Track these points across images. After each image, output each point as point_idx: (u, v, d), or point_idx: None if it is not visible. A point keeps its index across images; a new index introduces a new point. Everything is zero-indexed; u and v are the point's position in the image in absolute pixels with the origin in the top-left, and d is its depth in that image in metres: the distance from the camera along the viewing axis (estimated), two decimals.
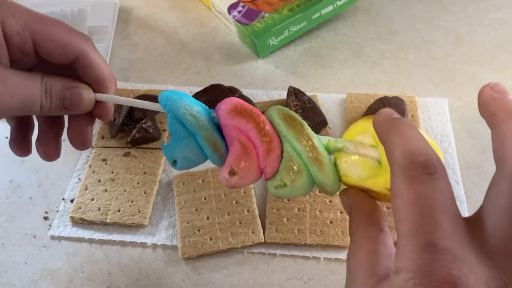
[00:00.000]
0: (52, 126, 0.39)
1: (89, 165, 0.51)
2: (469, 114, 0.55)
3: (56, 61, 0.34)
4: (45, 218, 0.48)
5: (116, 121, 0.53)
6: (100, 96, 0.36)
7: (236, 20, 0.64)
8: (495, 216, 0.24)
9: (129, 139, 0.52)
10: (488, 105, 0.27)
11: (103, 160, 0.52)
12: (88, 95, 0.35)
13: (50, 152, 0.39)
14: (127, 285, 0.43)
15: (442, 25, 0.66)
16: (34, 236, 0.47)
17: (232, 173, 0.32)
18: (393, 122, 0.28)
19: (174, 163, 0.34)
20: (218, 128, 0.33)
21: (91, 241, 0.46)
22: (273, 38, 0.62)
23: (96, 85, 0.36)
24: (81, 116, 0.37)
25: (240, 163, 0.32)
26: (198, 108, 0.33)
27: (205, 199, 0.48)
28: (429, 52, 0.63)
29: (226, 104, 0.32)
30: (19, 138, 0.39)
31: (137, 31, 0.69)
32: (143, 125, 0.52)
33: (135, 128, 0.53)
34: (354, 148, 0.32)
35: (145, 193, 0.49)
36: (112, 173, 0.50)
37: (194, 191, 0.48)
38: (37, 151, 0.39)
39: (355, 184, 0.32)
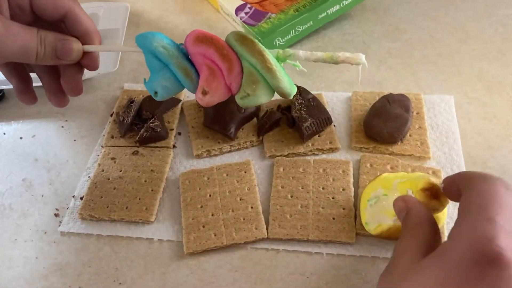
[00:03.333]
0: (53, 77, 0.45)
1: (99, 164, 0.53)
2: (475, 110, 0.54)
3: (48, 16, 0.40)
4: (56, 215, 0.50)
5: (125, 121, 0.54)
6: (87, 47, 0.42)
7: (243, 21, 0.65)
8: None
9: (137, 138, 0.54)
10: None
11: (112, 158, 0.53)
12: (76, 46, 0.41)
13: (61, 98, 0.47)
14: (133, 279, 0.44)
15: (450, 22, 0.66)
16: (45, 232, 0.49)
17: (204, 93, 0.38)
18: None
19: (155, 94, 0.39)
20: (188, 58, 0.39)
21: (99, 237, 0.48)
22: (280, 38, 0.63)
23: (83, 38, 0.42)
24: (72, 67, 0.43)
25: (210, 83, 0.38)
26: (168, 41, 0.39)
27: (210, 196, 0.49)
28: (436, 49, 0.63)
29: (190, 35, 0.38)
30: (24, 89, 0.46)
31: None
32: (151, 125, 0.54)
33: (143, 127, 0.54)
34: (304, 53, 0.40)
35: (152, 190, 0.50)
36: (121, 171, 0.52)
37: (199, 188, 0.49)
38: (51, 101, 0.47)
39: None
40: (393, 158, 0.49)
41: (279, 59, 0.41)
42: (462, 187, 0.32)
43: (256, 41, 0.40)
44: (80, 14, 0.42)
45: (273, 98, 0.57)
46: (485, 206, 0.28)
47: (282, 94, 0.41)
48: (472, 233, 0.27)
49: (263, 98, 0.40)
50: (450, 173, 0.48)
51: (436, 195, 0.37)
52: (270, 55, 0.40)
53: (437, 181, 0.38)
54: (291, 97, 0.42)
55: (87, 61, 0.43)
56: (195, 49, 0.38)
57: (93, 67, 0.44)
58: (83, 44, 0.41)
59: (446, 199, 0.37)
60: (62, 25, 0.42)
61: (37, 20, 0.41)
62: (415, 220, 0.34)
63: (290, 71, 0.62)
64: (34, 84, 0.61)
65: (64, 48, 0.40)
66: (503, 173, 0.48)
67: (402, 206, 0.36)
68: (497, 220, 0.27)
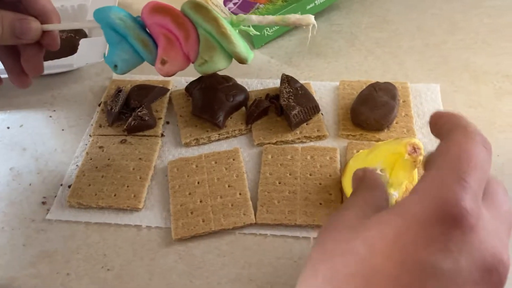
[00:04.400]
0: (14, 58, 0.45)
1: (87, 152, 0.53)
2: (461, 98, 0.55)
3: None
4: (44, 203, 0.50)
5: (113, 110, 0.54)
6: (46, 26, 0.42)
7: (232, 11, 0.65)
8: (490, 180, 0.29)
9: (125, 127, 0.54)
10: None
11: (100, 147, 0.53)
12: (35, 25, 0.41)
13: (23, 80, 0.46)
14: (122, 265, 0.44)
15: (437, 13, 0.67)
16: (33, 220, 0.49)
17: (163, 62, 0.38)
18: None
19: (115, 67, 0.40)
20: (146, 30, 0.39)
21: (87, 224, 0.48)
22: (268, 28, 0.63)
23: (42, 17, 0.42)
24: (32, 46, 0.43)
25: (168, 52, 0.40)
26: (125, 13, 0.39)
27: (198, 183, 0.49)
28: (423, 39, 0.63)
29: (146, 7, 0.39)
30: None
31: None
32: (139, 113, 0.54)
33: (131, 116, 0.54)
34: (256, 18, 0.42)
35: (140, 178, 0.50)
36: (109, 159, 0.52)
37: (187, 176, 0.49)
38: (13, 82, 0.46)
39: None
40: (379, 145, 0.50)
41: (233, 24, 0.42)
42: (443, 131, 0.30)
43: (210, 8, 0.41)
44: None
45: (261, 87, 0.58)
46: (458, 164, 0.27)
47: (239, 59, 0.42)
48: (439, 190, 0.26)
49: (220, 64, 0.41)
50: None
51: (414, 150, 0.40)
52: (224, 21, 0.40)
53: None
54: (248, 62, 0.43)
55: (47, 40, 0.43)
56: (151, 19, 0.39)
57: (54, 46, 0.44)
58: (42, 23, 0.42)
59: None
60: (20, 5, 0.43)
61: None
62: (367, 183, 0.33)
63: (277, 60, 0.63)
64: None
65: (23, 27, 0.41)
66: None
67: (360, 174, 0.35)
68: (467, 181, 0.26)
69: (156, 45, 0.39)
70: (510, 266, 0.25)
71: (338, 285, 0.25)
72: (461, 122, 0.30)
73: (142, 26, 0.39)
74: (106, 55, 0.40)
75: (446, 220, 0.25)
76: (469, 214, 0.25)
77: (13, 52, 0.45)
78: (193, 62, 0.41)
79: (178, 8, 0.42)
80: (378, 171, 0.42)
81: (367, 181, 0.34)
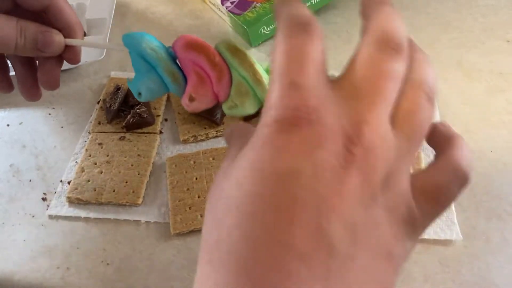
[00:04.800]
0: (29, 70, 0.44)
1: (86, 149, 0.53)
2: (454, 95, 0.56)
3: (29, 6, 0.39)
4: (44, 199, 0.50)
5: (112, 108, 0.55)
6: (69, 40, 0.41)
7: (229, 10, 0.66)
8: (352, 66, 0.25)
9: (124, 124, 0.54)
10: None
11: (99, 144, 0.54)
12: (58, 38, 0.40)
13: (33, 93, 0.45)
14: (121, 260, 0.45)
15: (431, 12, 0.68)
16: (33, 216, 0.49)
17: (191, 99, 0.37)
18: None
19: (139, 95, 0.39)
20: (176, 62, 0.38)
21: (87, 219, 0.48)
22: (265, 27, 0.64)
23: (65, 31, 0.40)
24: (51, 59, 0.42)
25: (197, 90, 0.38)
26: (157, 43, 0.38)
27: (196, 179, 0.50)
28: (417, 37, 0.63)
29: (181, 40, 0.37)
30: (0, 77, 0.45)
31: (134, 23, 0.71)
32: (138, 111, 0.54)
33: (130, 113, 0.55)
34: None
35: (138, 174, 0.51)
36: (108, 156, 0.52)
37: (186, 172, 0.50)
38: (22, 94, 0.45)
39: None
40: None
41: (268, 71, 0.41)
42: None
43: (247, 52, 0.40)
44: (63, 6, 0.41)
45: None
46: (282, 66, 0.25)
47: None
48: (274, 103, 0.24)
49: (250, 109, 0.40)
50: (431, 156, 0.50)
51: None
52: (260, 67, 0.40)
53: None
54: None
55: (69, 54, 0.42)
56: (184, 54, 0.38)
57: (75, 60, 0.43)
58: (65, 37, 0.40)
59: None
60: (44, 16, 0.41)
61: (17, 8, 0.40)
62: (238, 133, 0.32)
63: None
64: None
65: (46, 40, 0.39)
66: (482, 155, 0.50)
67: (229, 131, 0.33)
68: (299, 83, 0.24)
69: (185, 78, 0.38)
70: (378, 129, 0.24)
71: (222, 233, 0.24)
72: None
73: (173, 58, 0.38)
74: (130, 80, 0.39)
75: (282, 124, 0.23)
76: (298, 110, 0.23)
77: (29, 63, 0.44)
78: (221, 102, 0.39)
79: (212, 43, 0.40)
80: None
81: (236, 131, 0.32)
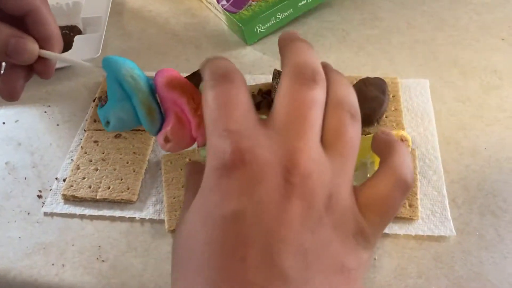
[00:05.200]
0: None
1: (81, 147, 0.53)
2: (450, 93, 0.56)
3: (8, 9, 0.36)
4: (39, 197, 0.50)
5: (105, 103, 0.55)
6: (44, 52, 0.37)
7: (225, 9, 0.66)
8: (277, 103, 0.27)
9: None
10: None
11: (95, 141, 0.54)
12: (32, 47, 0.36)
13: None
14: (116, 256, 0.45)
15: (426, 11, 0.68)
16: (28, 213, 0.49)
17: (167, 140, 0.34)
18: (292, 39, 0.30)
19: (107, 124, 0.36)
20: (155, 95, 0.35)
21: (82, 216, 0.48)
22: (260, 25, 0.64)
23: (43, 42, 0.37)
24: (18, 69, 0.38)
25: (175, 133, 0.35)
26: (139, 72, 0.35)
27: None
28: (413, 36, 0.64)
29: (163, 77, 0.34)
30: None
31: (130, 22, 0.72)
32: None
33: None
34: None
35: (134, 171, 0.51)
36: (103, 153, 0.53)
37: (181, 169, 0.50)
38: None
39: None
40: (369, 138, 0.51)
41: None
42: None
43: None
44: (45, 16, 0.38)
45: (253, 83, 0.59)
46: (212, 118, 0.26)
47: None
48: (211, 153, 0.26)
49: None
50: (425, 153, 0.50)
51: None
52: None
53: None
54: None
55: (41, 67, 0.38)
56: (166, 93, 0.35)
57: (46, 75, 0.39)
58: (41, 48, 0.37)
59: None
60: (25, 22, 0.38)
61: None
62: (188, 174, 0.34)
63: (269, 57, 0.64)
64: None
65: (18, 46, 0.36)
66: (476, 152, 0.50)
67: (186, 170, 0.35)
68: (231, 129, 0.26)
69: (162, 115, 0.36)
70: (311, 155, 0.25)
71: (186, 280, 0.26)
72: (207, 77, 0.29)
73: (153, 91, 0.36)
74: (100, 106, 0.36)
75: (222, 170, 0.25)
76: (234, 154, 0.25)
77: None
78: (199, 146, 0.39)
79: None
80: (368, 163, 0.43)
81: (192, 173, 0.34)
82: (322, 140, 0.27)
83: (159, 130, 0.35)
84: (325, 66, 0.29)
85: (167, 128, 0.34)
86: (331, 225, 0.25)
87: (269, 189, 0.24)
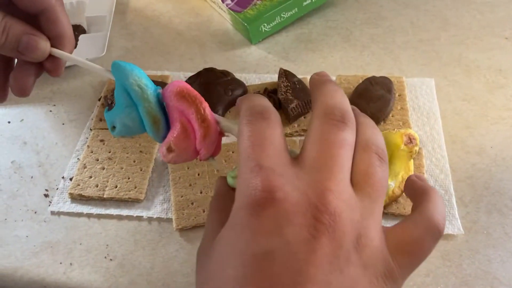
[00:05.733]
0: (2, 69, 0.40)
1: (88, 146, 0.53)
2: (455, 92, 0.56)
3: (23, 6, 0.36)
4: (46, 196, 0.50)
5: (113, 104, 0.55)
6: (55, 51, 0.38)
7: (230, 8, 0.66)
8: (307, 143, 0.28)
9: None
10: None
11: (101, 140, 0.54)
12: (44, 45, 0.37)
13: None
14: (124, 255, 0.45)
15: (430, 10, 0.68)
16: (35, 212, 0.49)
17: (169, 150, 0.34)
18: (323, 81, 0.32)
19: (113, 128, 0.36)
20: (161, 105, 0.35)
21: (89, 215, 0.48)
22: (265, 24, 0.64)
23: (55, 41, 0.38)
24: (29, 65, 0.38)
25: (178, 142, 0.34)
26: (147, 82, 0.35)
27: (198, 175, 0.50)
28: (416, 35, 0.64)
29: (174, 87, 0.34)
30: None
31: (134, 21, 0.72)
32: None
33: None
34: None
35: (141, 170, 0.51)
36: (110, 152, 0.53)
37: (188, 168, 0.50)
38: None
39: None
40: None
41: None
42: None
43: None
44: (60, 15, 0.38)
45: (259, 82, 0.59)
46: (246, 152, 0.27)
47: None
48: (243, 187, 0.26)
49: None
50: (432, 152, 0.50)
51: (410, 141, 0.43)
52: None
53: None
54: None
55: (51, 65, 0.39)
56: (173, 102, 0.35)
57: (56, 73, 0.39)
58: (53, 46, 0.38)
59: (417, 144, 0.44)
60: (39, 20, 0.38)
61: (12, 6, 0.37)
62: (214, 197, 0.34)
63: (274, 56, 0.64)
64: None
65: (30, 44, 0.36)
66: (482, 151, 0.50)
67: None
68: (263, 165, 0.26)
69: (167, 125, 0.36)
70: (341, 195, 0.26)
71: None
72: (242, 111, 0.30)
73: (159, 101, 0.36)
74: (108, 109, 0.36)
75: (255, 206, 0.25)
76: (275, 190, 0.25)
77: (6, 63, 0.40)
78: (201, 160, 0.37)
79: None
80: None
81: (218, 199, 0.34)
82: (352, 181, 0.28)
83: (164, 139, 0.35)
84: (353, 109, 0.30)
85: (171, 138, 0.35)
86: (360, 265, 0.26)
87: (299, 229, 0.25)
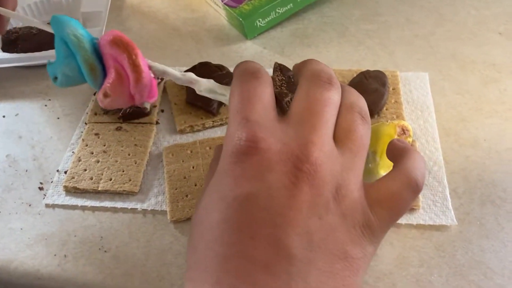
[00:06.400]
0: None
1: (82, 139, 0.53)
2: (449, 86, 0.57)
3: None
4: (40, 189, 0.50)
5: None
6: None
7: (225, 3, 0.66)
8: (295, 102, 0.30)
9: (120, 114, 0.54)
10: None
11: (96, 134, 0.54)
12: None
13: None
14: (118, 247, 0.45)
15: (425, 6, 0.68)
16: (30, 205, 0.49)
17: (105, 95, 0.36)
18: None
19: (55, 79, 0.38)
20: (98, 55, 0.37)
21: (83, 208, 0.48)
22: (260, 19, 0.65)
23: None
24: None
25: (114, 88, 0.37)
26: (82, 32, 0.37)
27: (193, 167, 0.50)
28: (412, 30, 0.65)
29: (108, 35, 0.36)
30: None
31: (130, 17, 0.72)
32: None
33: None
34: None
35: (135, 163, 0.51)
36: (104, 145, 0.53)
37: (182, 161, 0.50)
38: None
39: None
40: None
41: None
42: None
43: None
44: None
45: None
46: (235, 107, 0.29)
47: None
48: (230, 138, 0.29)
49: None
50: (425, 144, 0.50)
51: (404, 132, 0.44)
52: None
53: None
54: None
55: None
56: (108, 50, 0.37)
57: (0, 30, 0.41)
58: None
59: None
60: None
61: None
62: (213, 158, 0.37)
63: (269, 51, 0.64)
64: (17, 64, 0.61)
65: None
66: (475, 143, 0.50)
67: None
68: (250, 118, 0.28)
69: (104, 73, 0.38)
70: (323, 147, 0.28)
71: (199, 253, 0.28)
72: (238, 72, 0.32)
73: (96, 51, 0.37)
74: (50, 62, 0.38)
75: (238, 153, 0.27)
76: (259, 140, 0.27)
77: None
78: (137, 105, 0.39)
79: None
80: (369, 153, 0.43)
81: (216, 153, 0.37)
82: (334, 137, 0.29)
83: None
84: (340, 82, 0.32)
85: (107, 84, 0.37)
86: (338, 214, 0.27)
87: (280, 175, 0.26)
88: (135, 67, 0.36)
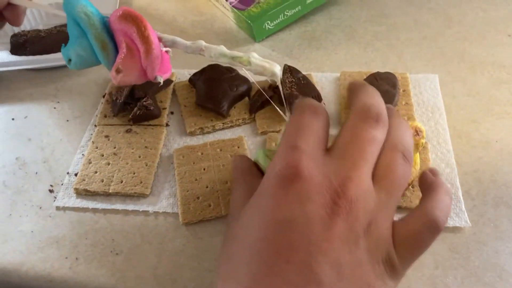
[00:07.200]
0: None
1: (92, 142, 0.53)
2: (459, 87, 0.56)
3: None
4: (51, 191, 0.50)
5: (118, 100, 0.55)
6: None
7: (233, 6, 0.66)
8: (341, 135, 0.31)
9: (130, 116, 0.54)
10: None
11: (106, 136, 0.54)
12: None
13: None
14: (130, 249, 0.45)
15: (433, 8, 0.68)
16: (40, 207, 0.49)
17: (118, 71, 0.37)
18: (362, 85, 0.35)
19: (69, 61, 0.38)
20: (110, 33, 0.37)
21: (94, 210, 0.48)
22: (269, 22, 0.65)
23: None
24: None
25: (125, 62, 0.37)
26: (93, 9, 0.37)
27: (204, 169, 0.50)
28: (420, 32, 0.65)
29: (117, 11, 0.37)
30: None
31: None
32: (144, 103, 0.54)
33: (136, 106, 0.55)
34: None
35: (146, 165, 0.50)
36: (115, 148, 0.52)
37: (193, 163, 0.50)
38: None
39: None
40: None
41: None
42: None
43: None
44: None
45: (264, 78, 0.59)
46: (289, 134, 0.31)
47: None
48: (277, 161, 0.30)
49: None
50: (437, 146, 0.50)
51: (417, 133, 0.43)
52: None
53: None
54: None
55: (10, 14, 0.41)
56: (117, 25, 0.37)
57: (15, 22, 0.41)
58: None
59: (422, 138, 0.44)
60: None
61: None
62: (238, 171, 0.38)
63: (278, 53, 0.64)
64: (26, 67, 0.61)
65: None
66: (487, 145, 0.50)
67: (236, 167, 0.39)
68: (299, 146, 0.29)
69: (117, 51, 0.38)
70: (361, 185, 0.29)
71: (234, 267, 0.29)
72: (296, 103, 0.34)
73: (107, 28, 0.37)
74: (64, 45, 0.38)
75: (284, 179, 0.29)
76: (303, 168, 0.28)
77: None
78: (150, 79, 0.39)
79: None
80: None
81: (236, 168, 0.38)
82: (374, 174, 0.30)
83: None
84: (389, 109, 0.33)
85: (119, 60, 0.37)
86: (366, 249, 0.28)
87: (318, 207, 0.28)
88: (145, 38, 0.36)
